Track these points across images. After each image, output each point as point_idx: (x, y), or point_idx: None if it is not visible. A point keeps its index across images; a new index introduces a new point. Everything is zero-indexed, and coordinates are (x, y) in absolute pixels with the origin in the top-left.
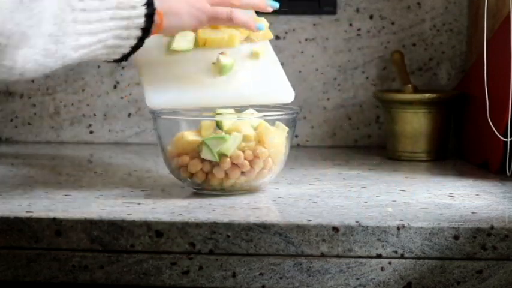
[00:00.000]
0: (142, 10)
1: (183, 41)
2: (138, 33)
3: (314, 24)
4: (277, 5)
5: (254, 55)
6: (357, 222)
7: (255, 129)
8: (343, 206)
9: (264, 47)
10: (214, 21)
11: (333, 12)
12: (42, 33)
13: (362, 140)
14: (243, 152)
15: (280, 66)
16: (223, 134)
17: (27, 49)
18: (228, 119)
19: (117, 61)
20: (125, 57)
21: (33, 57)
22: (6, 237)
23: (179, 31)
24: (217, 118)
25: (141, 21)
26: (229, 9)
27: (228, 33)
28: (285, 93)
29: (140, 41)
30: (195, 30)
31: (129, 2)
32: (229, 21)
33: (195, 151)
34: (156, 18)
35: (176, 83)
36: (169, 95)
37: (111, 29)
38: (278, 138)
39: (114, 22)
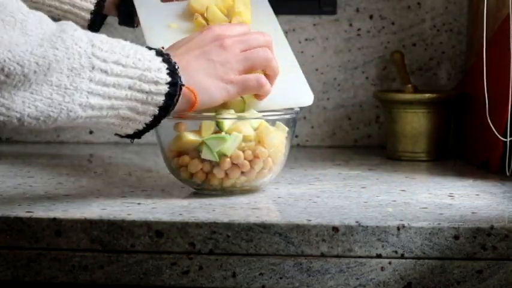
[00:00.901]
0: (164, 88)
1: None
2: (155, 110)
3: (314, 24)
4: None
5: None
6: (357, 222)
7: (255, 129)
8: (343, 206)
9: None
10: (244, 92)
11: (333, 12)
12: (50, 82)
13: (362, 140)
14: (243, 152)
15: (299, 68)
16: (223, 134)
17: (27, 93)
18: (228, 119)
19: (130, 137)
20: (138, 135)
21: (34, 103)
22: (6, 237)
23: (209, 106)
24: (217, 118)
25: (160, 99)
26: (257, 76)
27: None
28: (304, 96)
29: (156, 120)
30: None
31: (153, 77)
32: (260, 88)
33: (195, 151)
34: (189, 95)
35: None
36: None
37: (127, 99)
38: (278, 138)
39: (132, 92)
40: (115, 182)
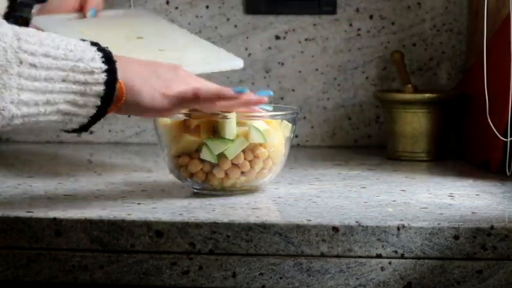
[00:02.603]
0: (102, 77)
1: None
2: (97, 101)
3: (314, 24)
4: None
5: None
6: (357, 222)
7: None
8: (343, 206)
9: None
10: (182, 105)
11: (333, 12)
12: None
13: (362, 140)
14: (243, 152)
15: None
16: (226, 137)
17: None
18: (229, 120)
19: (77, 131)
20: (85, 128)
21: None
22: (6, 237)
23: (137, 113)
24: (218, 118)
25: (100, 89)
26: (193, 88)
27: None
28: (233, 60)
29: (100, 111)
30: (162, 117)
31: (86, 67)
32: (197, 99)
33: (195, 151)
34: (117, 90)
35: None
36: None
37: (63, 92)
38: (278, 138)
39: (67, 85)
40: (115, 182)
